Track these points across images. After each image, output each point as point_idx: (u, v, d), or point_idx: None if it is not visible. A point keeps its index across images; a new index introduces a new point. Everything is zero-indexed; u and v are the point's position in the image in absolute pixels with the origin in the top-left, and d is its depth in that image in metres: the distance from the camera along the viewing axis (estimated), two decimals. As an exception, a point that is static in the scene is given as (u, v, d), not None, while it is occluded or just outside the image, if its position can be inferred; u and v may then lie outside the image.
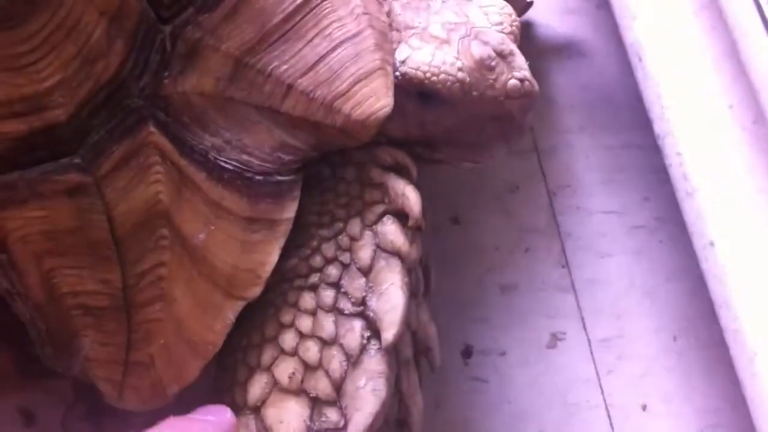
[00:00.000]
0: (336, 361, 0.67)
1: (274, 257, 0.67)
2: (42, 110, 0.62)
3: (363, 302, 0.68)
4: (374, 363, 0.67)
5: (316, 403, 0.67)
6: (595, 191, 1.04)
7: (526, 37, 1.08)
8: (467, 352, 0.95)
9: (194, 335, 0.68)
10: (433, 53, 0.71)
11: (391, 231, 0.69)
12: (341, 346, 0.67)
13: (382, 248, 0.69)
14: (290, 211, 0.67)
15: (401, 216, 0.70)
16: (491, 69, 0.71)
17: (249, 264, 0.67)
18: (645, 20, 0.89)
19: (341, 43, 0.68)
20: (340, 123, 0.67)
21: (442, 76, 0.71)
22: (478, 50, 0.71)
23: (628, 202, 1.04)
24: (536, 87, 0.73)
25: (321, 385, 0.67)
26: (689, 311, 0.98)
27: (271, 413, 0.67)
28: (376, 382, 0.66)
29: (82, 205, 0.65)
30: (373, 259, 0.69)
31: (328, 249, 0.70)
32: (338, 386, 0.67)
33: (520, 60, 0.72)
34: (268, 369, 0.68)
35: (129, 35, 0.64)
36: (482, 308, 0.96)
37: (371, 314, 0.68)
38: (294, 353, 0.68)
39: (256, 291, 0.67)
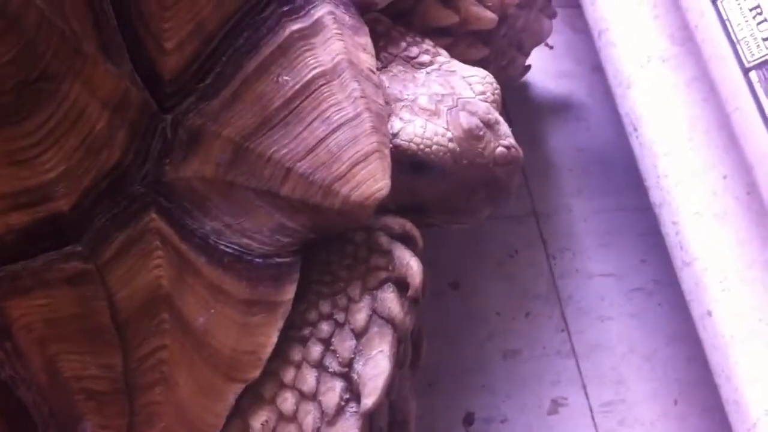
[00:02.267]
0: (311, 417, 0.68)
1: (273, 339, 0.67)
2: (46, 201, 0.63)
3: (350, 364, 0.69)
4: (348, 426, 0.67)
5: None
6: (593, 255, 1.06)
7: (523, 99, 1.14)
8: (469, 420, 0.95)
9: (195, 418, 0.68)
10: (424, 126, 0.74)
11: (390, 299, 0.70)
12: (319, 402, 0.68)
13: (378, 314, 0.70)
14: (289, 292, 0.68)
15: (401, 285, 0.71)
16: (479, 138, 0.74)
17: (249, 346, 0.68)
18: (639, 90, 0.91)
19: (339, 126, 0.69)
20: (339, 205, 0.68)
21: (434, 147, 0.73)
22: (467, 121, 0.74)
23: (626, 265, 1.06)
24: (521, 153, 0.75)
25: None
26: (689, 375, 1.00)
27: None
28: None
29: (84, 292, 0.66)
30: (368, 323, 0.70)
31: (325, 306, 0.71)
32: None
33: (505, 128, 0.75)
34: (244, 414, 0.69)
35: (131, 125, 0.66)
36: (483, 375, 0.97)
37: (355, 377, 0.68)
38: (272, 402, 0.69)
39: (256, 373, 0.68)
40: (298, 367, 0.70)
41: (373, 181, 0.69)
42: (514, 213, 1.07)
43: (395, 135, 0.74)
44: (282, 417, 0.69)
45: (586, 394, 0.97)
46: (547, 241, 1.06)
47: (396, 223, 0.72)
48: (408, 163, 0.74)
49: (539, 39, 1.01)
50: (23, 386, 0.68)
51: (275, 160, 0.68)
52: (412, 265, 0.70)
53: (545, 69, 1.17)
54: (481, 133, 0.74)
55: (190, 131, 0.68)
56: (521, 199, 1.08)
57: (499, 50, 0.95)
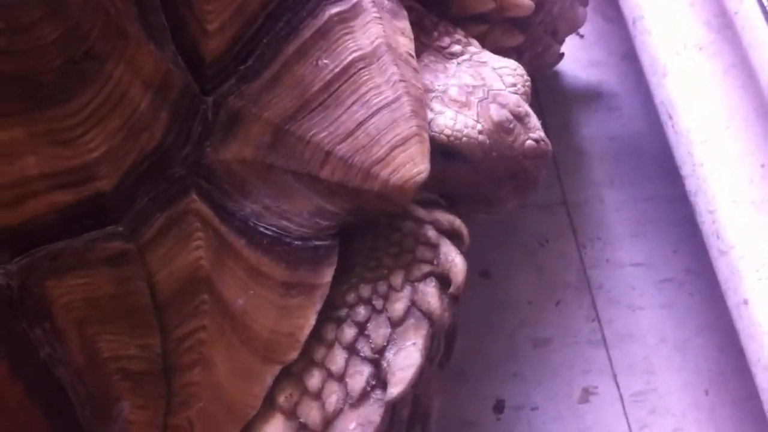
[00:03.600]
0: (335, 397, 0.68)
1: (311, 321, 0.67)
2: (88, 181, 0.64)
3: (381, 351, 0.69)
4: (371, 411, 0.68)
5: (301, 431, 0.68)
6: (624, 244, 1.05)
7: (554, 89, 1.13)
8: (499, 407, 0.95)
9: (233, 399, 0.68)
10: (454, 117, 0.74)
11: (432, 293, 0.70)
12: (345, 384, 0.68)
13: (416, 306, 0.70)
14: (327, 275, 0.68)
15: (444, 281, 0.71)
16: (509, 131, 0.74)
17: (287, 328, 0.68)
18: (675, 78, 0.90)
19: (379, 110, 0.69)
20: (378, 188, 0.67)
21: (464, 139, 0.74)
22: (497, 113, 0.74)
23: (657, 255, 1.04)
24: (549, 146, 0.76)
25: (313, 414, 0.68)
26: (720, 365, 0.98)
27: (257, 426, 0.69)
28: (366, 429, 0.67)
29: (124, 272, 0.66)
30: (406, 314, 0.70)
31: (365, 290, 0.71)
32: (329, 421, 0.68)
33: (534, 121, 0.76)
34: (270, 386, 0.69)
35: (173, 106, 0.66)
36: (514, 363, 0.96)
37: (385, 365, 0.68)
38: (299, 377, 0.69)
39: (293, 355, 0.68)
40: (329, 346, 0.70)
41: (413, 164, 0.68)
42: (545, 202, 1.06)
43: None
44: (306, 393, 0.69)
45: (617, 384, 0.97)
46: (578, 231, 1.05)
47: (446, 218, 0.72)
48: (438, 152, 0.74)
49: (574, 26, 1.01)
50: (61, 366, 0.68)
51: (314, 143, 0.68)
52: (457, 262, 0.70)
53: (576, 58, 1.16)
54: (511, 125, 0.74)
55: (230, 113, 0.68)
56: (552, 189, 1.07)
57: (534, 37, 0.94)
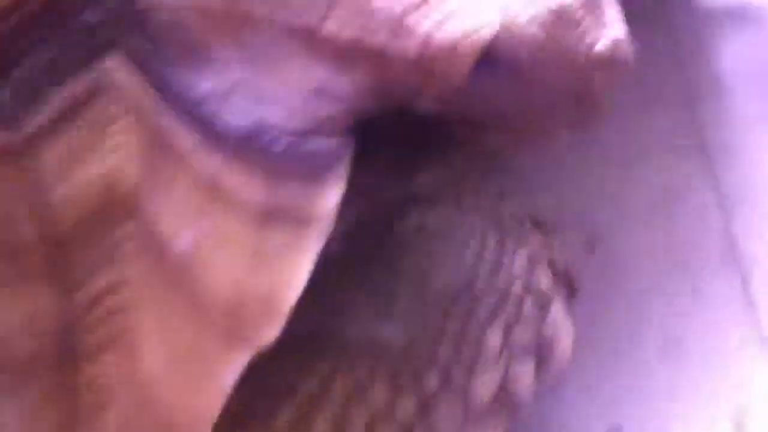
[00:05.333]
0: None
1: (302, 275, 0.45)
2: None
3: None
4: None
5: None
6: None
7: (688, 2, 0.94)
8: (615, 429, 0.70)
9: (170, 405, 0.44)
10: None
11: (527, 375, 0.56)
12: None
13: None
14: (331, 197, 0.47)
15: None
16: (575, 24, 0.57)
17: (262, 286, 0.44)
18: None
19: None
20: (416, 50, 0.47)
21: (507, 33, 0.55)
22: None
23: (842, 219, 0.83)
24: (632, 53, 0.59)
25: None
26: None
27: None
28: None
29: (-5, 182, 0.42)
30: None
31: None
32: None
33: (612, 14, 0.59)
34: None
35: None
36: (634, 373, 0.73)
37: None
38: None
39: (272, 331, 0.44)
40: None
41: (472, 14, 0.49)
42: (674, 146, 0.84)
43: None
44: None
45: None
46: (722, 185, 0.83)
47: (563, 256, 0.61)
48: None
49: None
50: None
51: None
52: (565, 334, 0.58)
53: None
54: (578, 16, 0.57)
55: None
56: (684, 128, 0.85)
57: None
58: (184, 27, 0.45)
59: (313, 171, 0.47)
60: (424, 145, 0.59)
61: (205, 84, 0.45)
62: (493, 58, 0.54)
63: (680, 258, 0.79)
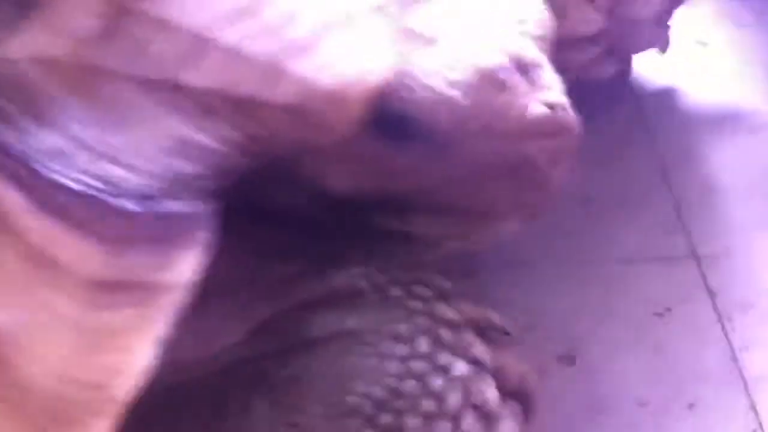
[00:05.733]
0: None
1: (146, 354, 0.39)
2: None
3: None
4: None
5: None
6: None
7: (670, 108, 0.92)
8: None
9: None
10: (407, 56, 0.51)
11: None
12: None
13: None
14: (186, 266, 0.41)
15: None
16: (504, 87, 0.52)
17: (93, 372, 0.38)
18: None
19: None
20: (292, 94, 0.42)
21: (423, 93, 0.50)
22: (485, 58, 0.52)
23: None
24: (575, 120, 0.53)
25: None
26: None
27: None
28: None
29: None
30: None
31: None
32: None
33: (549, 77, 0.53)
34: None
35: None
36: None
37: None
38: None
39: (102, 427, 0.38)
40: None
41: (363, 55, 0.44)
42: (663, 254, 0.78)
43: None
44: None
45: None
46: (718, 295, 0.75)
47: (516, 369, 0.55)
48: (376, 119, 0.50)
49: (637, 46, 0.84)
50: None
51: (181, 26, 0.42)
52: None
53: (698, 70, 0.93)
54: (508, 79, 0.52)
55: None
56: (673, 235, 0.79)
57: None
58: (22, 79, 0.41)
59: (168, 237, 0.41)
60: (351, 240, 0.53)
61: (44, 141, 0.40)
62: (411, 123, 0.49)
63: (673, 373, 0.70)
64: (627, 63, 0.87)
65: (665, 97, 0.91)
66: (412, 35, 0.52)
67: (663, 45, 0.84)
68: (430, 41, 0.52)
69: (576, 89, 0.80)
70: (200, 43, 0.41)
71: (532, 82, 0.52)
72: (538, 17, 0.56)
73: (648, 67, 0.89)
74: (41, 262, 0.38)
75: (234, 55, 0.41)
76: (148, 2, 0.41)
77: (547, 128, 0.52)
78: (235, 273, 0.48)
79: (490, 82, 0.51)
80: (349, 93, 0.43)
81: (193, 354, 0.46)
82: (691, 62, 0.92)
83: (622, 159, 0.82)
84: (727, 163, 0.86)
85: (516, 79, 0.52)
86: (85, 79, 0.41)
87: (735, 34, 0.96)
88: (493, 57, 0.51)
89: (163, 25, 0.41)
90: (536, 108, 0.51)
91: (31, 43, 0.41)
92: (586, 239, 0.76)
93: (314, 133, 0.44)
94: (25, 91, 0.41)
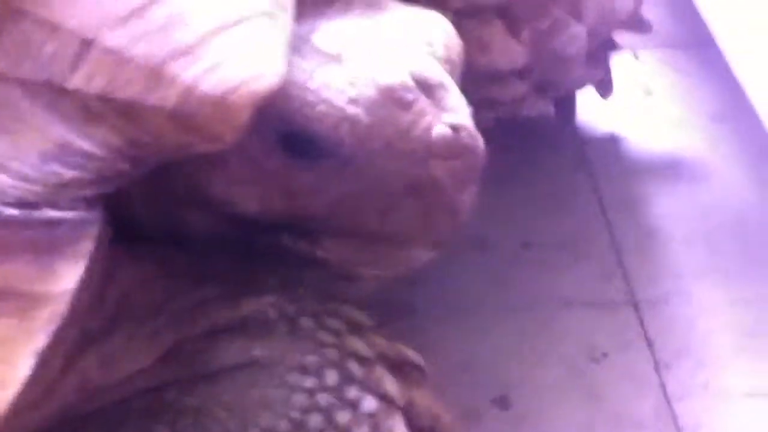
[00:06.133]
0: None
1: (24, 367, 0.39)
2: None
3: None
4: None
5: None
6: (727, 363, 0.76)
7: (612, 156, 0.92)
8: None
9: None
10: (310, 73, 0.52)
11: None
12: None
13: None
14: (68, 278, 0.40)
15: None
16: (406, 105, 0.52)
17: None
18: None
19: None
20: (175, 101, 0.42)
21: (321, 108, 0.51)
22: (387, 75, 0.52)
23: (776, 374, 0.77)
24: (479, 142, 0.53)
25: None
26: None
27: None
28: None
29: None
30: None
31: None
32: None
33: (455, 98, 0.53)
34: None
35: None
36: None
37: None
38: None
39: None
40: None
41: (251, 60, 0.44)
42: (601, 299, 0.78)
43: None
44: None
45: None
46: (655, 343, 0.75)
47: (430, 410, 0.54)
48: (278, 135, 0.52)
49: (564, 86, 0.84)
50: None
51: (66, 28, 0.43)
52: None
53: (642, 119, 0.95)
54: (410, 97, 0.52)
55: None
56: (612, 281, 0.79)
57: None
58: None
59: (51, 244, 0.40)
60: (264, 265, 0.52)
61: None
62: (313, 140, 0.49)
63: (607, 421, 0.70)
64: (570, 108, 0.87)
65: (609, 144, 0.92)
66: (316, 52, 0.52)
67: (604, 90, 0.84)
68: (334, 58, 0.53)
69: (519, 134, 0.81)
70: (86, 46, 0.41)
71: (437, 103, 0.53)
72: (445, 41, 0.57)
73: (592, 114, 0.90)
74: None
75: (118, 57, 0.41)
76: (35, 3, 0.42)
77: (452, 149, 0.52)
78: (145, 297, 0.47)
79: (391, 99, 0.51)
80: (232, 99, 0.42)
81: (98, 379, 0.45)
82: (635, 110, 0.94)
83: (564, 204, 0.83)
84: (669, 210, 0.87)
85: (420, 100, 0.52)
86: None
87: (680, 82, 0.98)
88: (395, 75, 0.52)
89: (50, 27, 0.42)
90: (440, 129, 0.51)
91: None
92: (525, 283, 0.76)
93: (199, 139, 0.44)
94: None
